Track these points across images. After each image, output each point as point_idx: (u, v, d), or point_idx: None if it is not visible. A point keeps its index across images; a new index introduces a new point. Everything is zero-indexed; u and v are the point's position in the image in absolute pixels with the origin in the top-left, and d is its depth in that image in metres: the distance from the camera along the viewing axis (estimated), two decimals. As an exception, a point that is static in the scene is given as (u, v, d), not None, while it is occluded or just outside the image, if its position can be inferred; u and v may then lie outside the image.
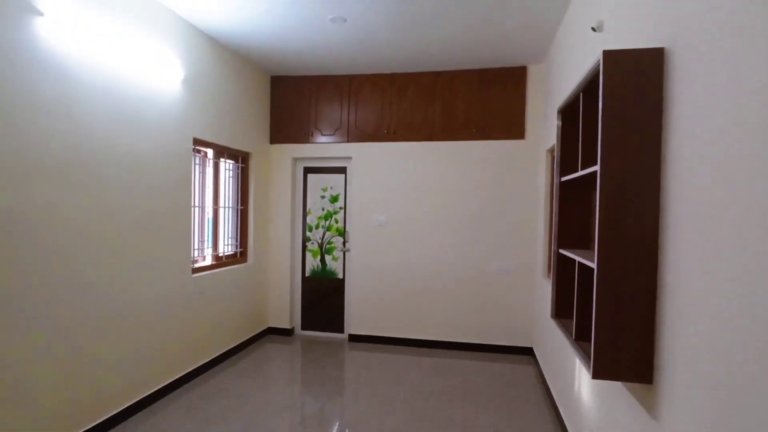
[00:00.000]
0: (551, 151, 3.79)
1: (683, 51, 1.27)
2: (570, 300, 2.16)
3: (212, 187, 4.07)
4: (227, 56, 3.98)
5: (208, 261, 3.99)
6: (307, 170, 4.92)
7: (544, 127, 4.08)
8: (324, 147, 4.75)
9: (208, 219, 4.03)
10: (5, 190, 2.07)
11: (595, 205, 1.60)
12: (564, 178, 2.11)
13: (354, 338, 4.72)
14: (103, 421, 2.65)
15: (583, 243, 2.18)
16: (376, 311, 4.66)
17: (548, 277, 3.72)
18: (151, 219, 3.04)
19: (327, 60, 4.24)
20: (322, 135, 4.73)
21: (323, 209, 4.88)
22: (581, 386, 2.40)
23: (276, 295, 4.87)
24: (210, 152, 4.00)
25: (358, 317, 4.71)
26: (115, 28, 2.70)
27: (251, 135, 4.45)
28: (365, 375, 3.77)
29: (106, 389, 2.68)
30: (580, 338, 1.83)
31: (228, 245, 4.30)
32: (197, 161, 3.79)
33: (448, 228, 4.47)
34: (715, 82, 1.10)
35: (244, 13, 3.27)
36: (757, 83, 0.93)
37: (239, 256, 4.42)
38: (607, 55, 1.44)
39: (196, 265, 3.73)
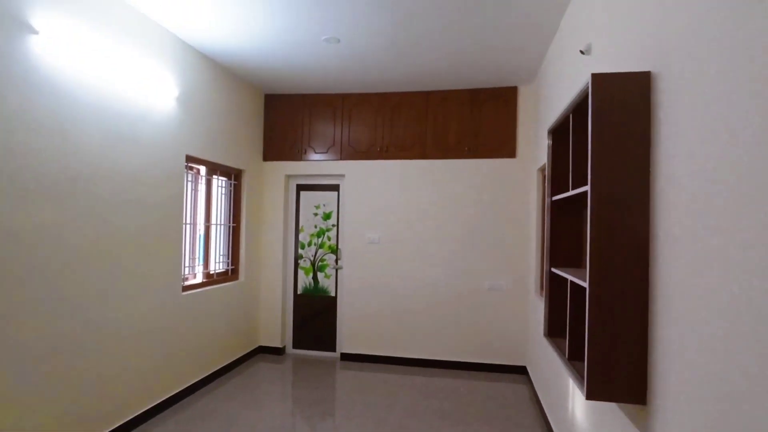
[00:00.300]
0: (542, 170, 3.83)
1: (669, 74, 1.31)
2: (563, 318, 2.16)
3: (204, 204, 4.05)
4: (221, 74, 4.01)
5: (199, 279, 3.94)
6: (300, 187, 4.92)
7: (534, 146, 4.14)
8: (317, 164, 4.76)
9: (200, 236, 4.00)
10: (-7, 207, 2.05)
11: (586, 225, 1.62)
12: (555, 197, 2.13)
13: (346, 357, 4.65)
14: (86, 445, 2.57)
15: (575, 261, 2.19)
16: (368, 329, 4.61)
17: (541, 295, 3.72)
18: (142, 236, 3.01)
19: (320, 79, 4.29)
20: (316, 153, 4.75)
21: (316, 226, 4.87)
22: (575, 406, 2.38)
23: (267, 314, 4.81)
24: (203, 169, 4.00)
25: (350, 336, 4.65)
26: (110, 46, 2.71)
27: (244, 152, 4.46)
28: (357, 395, 3.71)
29: (90, 411, 2.61)
30: (573, 357, 1.82)
31: (219, 263, 4.25)
32: (190, 178, 3.77)
33: (440, 245, 4.47)
34: (700, 104, 1.13)
35: (239, 33, 3.31)
36: (740, 105, 0.95)
37: (230, 274, 4.37)
38: (596, 78, 1.47)
39: (187, 283, 3.68)
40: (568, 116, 1.95)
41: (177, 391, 3.42)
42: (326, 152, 4.73)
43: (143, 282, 3.03)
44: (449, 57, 3.66)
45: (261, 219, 4.82)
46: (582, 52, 2.33)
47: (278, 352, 4.78)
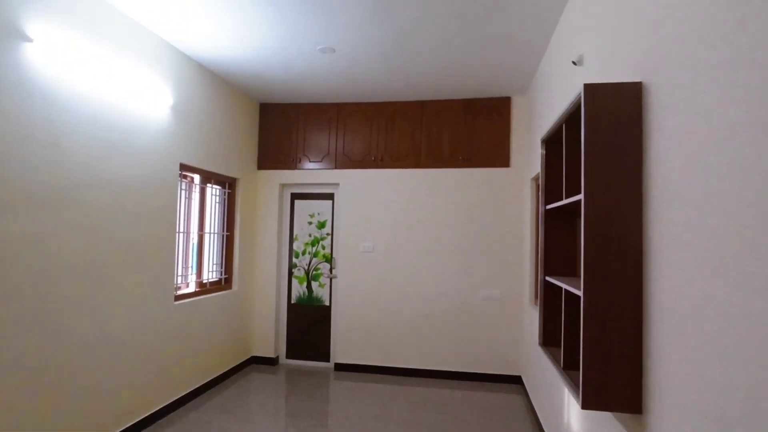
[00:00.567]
0: (536, 179, 3.86)
1: (660, 85, 1.33)
2: (558, 327, 2.15)
3: (198, 213, 4.03)
4: (216, 83, 4.01)
5: (192, 288, 3.90)
6: (295, 196, 4.91)
7: (528, 156, 4.17)
8: (312, 173, 4.76)
9: (193, 245, 3.97)
10: (-18, 215, 2.02)
11: (580, 234, 1.63)
12: (549, 206, 2.15)
13: (340, 367, 4.61)
14: (73, 459, 2.51)
15: (569, 270, 2.20)
16: (362, 339, 4.58)
17: (535, 304, 3.72)
18: (135, 245, 2.98)
19: (315, 89, 4.31)
20: (310, 161, 4.76)
21: (310, 235, 4.85)
22: (570, 416, 2.37)
23: (261, 323, 4.76)
24: (197, 178, 3.98)
25: (344, 346, 4.62)
26: (105, 54, 2.71)
27: (239, 161, 4.45)
28: (351, 407, 3.66)
29: (75, 426, 2.55)
30: (568, 367, 1.81)
31: (212, 272, 4.22)
32: (184, 186, 3.76)
33: (435, 254, 4.47)
34: (691, 114, 1.14)
35: (235, 42, 3.32)
36: (730, 115, 0.97)
37: (224, 283, 4.33)
38: (588, 88, 1.49)
39: (179, 292, 3.64)
40: (561, 126, 1.97)
41: (167, 403, 3.36)
42: (321, 161, 4.74)
43: (135, 291, 2.99)
44: (443, 68, 3.70)
45: (255, 228, 4.80)
46: (574, 63, 2.36)
47: (271, 362, 4.73)
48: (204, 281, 4.06)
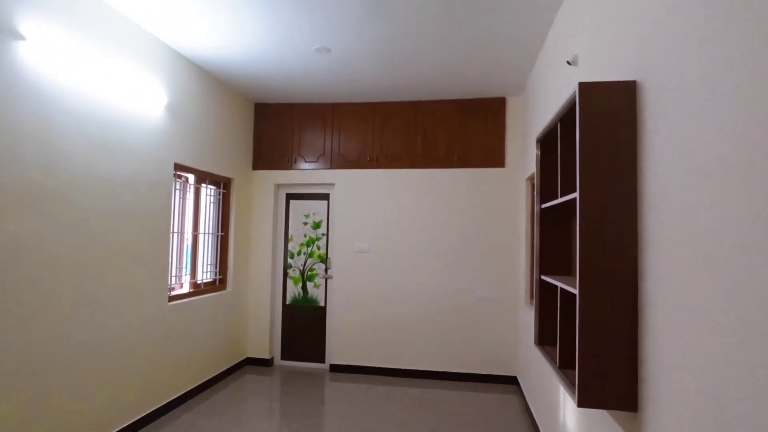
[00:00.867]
0: (531, 179, 3.87)
1: (654, 83, 1.33)
2: (553, 327, 2.16)
3: (192, 213, 4.00)
4: (211, 83, 4.00)
5: (186, 289, 3.88)
6: (290, 196, 4.89)
7: (523, 156, 4.18)
8: (307, 173, 4.75)
9: (187, 245, 3.94)
10: (-28, 214, 1.99)
11: (576, 232, 1.63)
12: (544, 205, 2.15)
13: (335, 368, 4.59)
14: (65, 461, 2.48)
15: (564, 269, 2.20)
16: (358, 340, 4.56)
17: (531, 304, 3.73)
18: (128, 245, 2.95)
19: (311, 89, 4.30)
20: (306, 162, 4.75)
21: (305, 236, 4.83)
22: (566, 415, 2.37)
23: (255, 324, 4.74)
24: (191, 177, 3.96)
25: (339, 346, 4.60)
26: (98, 53, 2.69)
27: (234, 161, 4.43)
28: (347, 408, 3.65)
29: (70, 426, 2.52)
30: (564, 366, 1.82)
31: (207, 272, 4.19)
32: (178, 186, 3.73)
33: (430, 254, 4.47)
34: (685, 112, 1.15)
35: (230, 42, 3.31)
36: (724, 112, 0.97)
37: (218, 284, 4.31)
38: (583, 86, 1.50)
39: (173, 293, 3.62)
40: (556, 125, 1.98)
41: (160, 405, 3.33)
42: (316, 161, 4.73)
43: (128, 291, 2.96)
44: (438, 68, 3.71)
45: (250, 228, 4.78)
46: (569, 63, 2.37)
47: (266, 363, 4.70)
48: (198, 282, 4.03)
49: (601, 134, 1.47)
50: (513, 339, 4.31)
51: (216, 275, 4.30)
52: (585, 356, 1.42)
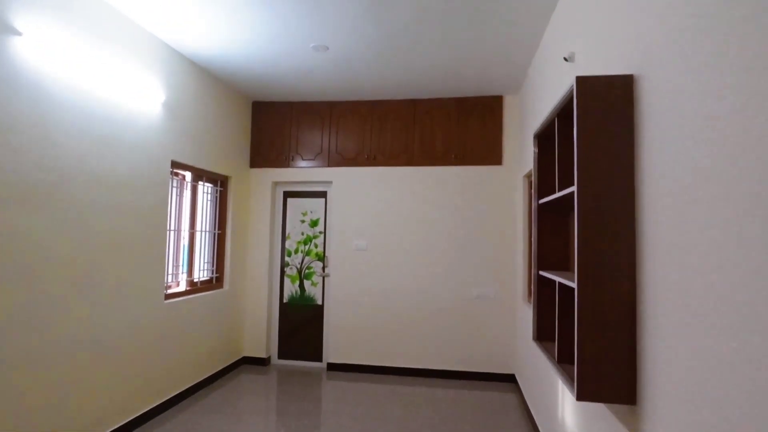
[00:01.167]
0: (528, 176, 3.88)
1: (651, 77, 1.34)
2: (551, 322, 2.16)
3: (189, 211, 3.99)
4: (209, 81, 3.98)
5: (182, 287, 3.86)
6: (287, 194, 4.88)
7: (520, 154, 4.19)
8: (304, 171, 4.74)
9: (184, 243, 3.92)
10: (-33, 209, 1.97)
11: (574, 225, 1.63)
12: (542, 201, 2.15)
13: (333, 367, 4.58)
14: (60, 459, 2.46)
15: (562, 266, 2.20)
16: (355, 339, 4.56)
17: (529, 302, 3.73)
18: (124, 242, 2.94)
19: (308, 87, 4.30)
20: (303, 160, 4.74)
21: (303, 234, 4.82)
22: (564, 410, 2.37)
23: (252, 323, 4.72)
24: (188, 175, 3.94)
25: (337, 345, 4.59)
26: (96, 49, 2.68)
27: (231, 159, 4.42)
28: (344, 407, 3.64)
29: (64, 425, 2.50)
30: (562, 360, 1.82)
31: (203, 270, 4.17)
32: (175, 184, 3.71)
33: (428, 253, 4.47)
34: (682, 105, 1.15)
35: (227, 40, 3.29)
36: (721, 105, 0.97)
37: (215, 282, 4.29)
38: (580, 80, 1.50)
39: (170, 291, 3.60)
40: (554, 120, 1.98)
41: (156, 404, 3.31)
42: (314, 159, 4.72)
43: (124, 288, 2.94)
44: (436, 67, 3.71)
45: (247, 226, 4.76)
46: (566, 59, 2.37)
47: (263, 362, 4.69)
48: (195, 280, 4.01)
49: (598, 127, 1.47)
50: (511, 337, 4.31)
51: (213, 273, 4.29)
52: (584, 350, 1.42)
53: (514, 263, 4.31)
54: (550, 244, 2.23)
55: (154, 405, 3.28)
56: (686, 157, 1.12)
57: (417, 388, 4.09)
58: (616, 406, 1.59)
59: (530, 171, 3.61)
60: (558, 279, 1.76)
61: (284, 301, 4.81)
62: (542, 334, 2.17)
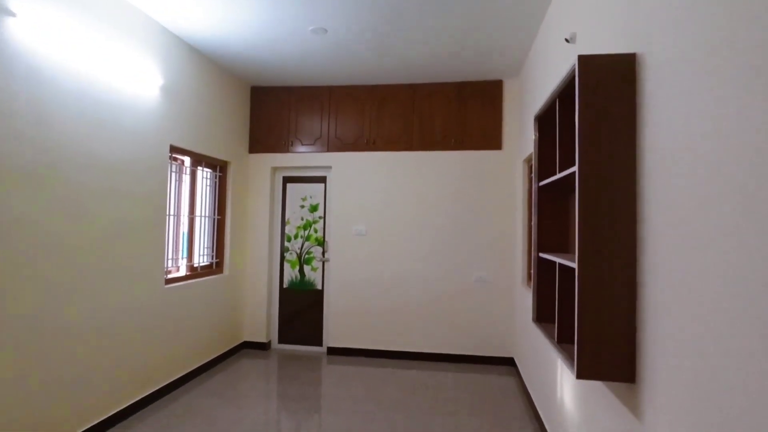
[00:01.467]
0: (527, 160, 3.87)
1: (654, 55, 1.32)
2: (551, 305, 2.17)
3: (188, 196, 3.98)
4: (207, 65, 3.94)
5: (182, 272, 3.87)
6: (287, 180, 4.87)
7: (520, 138, 4.17)
8: (304, 156, 4.72)
9: (183, 230, 3.92)
10: (-35, 192, 1.96)
11: (574, 207, 1.63)
12: (542, 183, 2.15)
13: (333, 351, 4.63)
14: (65, 440, 2.49)
15: (561, 248, 2.21)
16: (355, 323, 4.59)
17: (528, 286, 3.75)
18: (124, 227, 2.93)
19: (307, 71, 4.25)
20: (302, 145, 4.71)
21: (302, 219, 4.82)
22: (564, 390, 2.40)
23: (252, 308, 4.75)
24: (187, 160, 3.92)
25: (336, 329, 4.63)
26: (93, 32, 2.63)
27: (230, 144, 4.39)
28: (344, 390, 3.68)
29: (61, 411, 2.52)
30: (562, 340, 1.83)
31: (203, 256, 4.18)
32: (174, 169, 3.70)
33: (427, 237, 4.48)
34: (684, 84, 1.14)
35: (226, 24, 3.25)
36: (724, 84, 0.96)
37: (215, 267, 4.30)
38: (582, 59, 1.48)
39: (170, 276, 3.61)
40: (555, 102, 1.96)
41: (156, 388, 3.34)
42: (313, 144, 4.69)
43: (123, 273, 2.95)
44: (436, 51, 3.66)
45: (246, 211, 4.76)
46: (567, 40, 2.35)
47: (263, 347, 4.73)
48: (195, 265, 4.02)
49: (600, 106, 1.46)
50: (510, 320, 4.34)
51: (213, 259, 4.29)
52: (584, 329, 1.43)
53: (513, 248, 4.33)
54: (550, 227, 2.23)
55: (156, 388, 3.31)
56: (688, 136, 1.12)
57: (416, 371, 4.14)
58: (615, 385, 1.61)
59: (530, 155, 3.59)
60: (558, 260, 1.76)
61: (284, 286, 4.83)
62: (542, 316, 2.19)
